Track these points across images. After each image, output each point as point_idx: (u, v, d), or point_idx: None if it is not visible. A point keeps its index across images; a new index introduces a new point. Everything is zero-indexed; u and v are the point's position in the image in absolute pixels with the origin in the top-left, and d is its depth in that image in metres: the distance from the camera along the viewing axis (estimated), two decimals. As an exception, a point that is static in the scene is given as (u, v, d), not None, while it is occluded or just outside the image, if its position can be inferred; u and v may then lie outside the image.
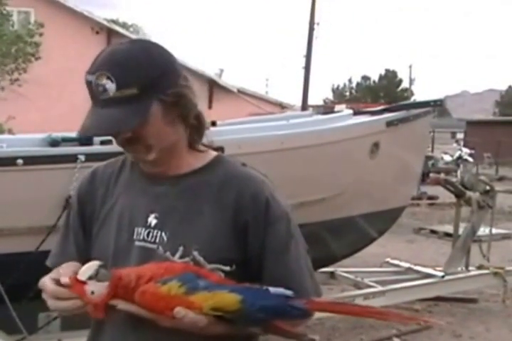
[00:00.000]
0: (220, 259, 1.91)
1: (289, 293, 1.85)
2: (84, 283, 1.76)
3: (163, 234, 1.95)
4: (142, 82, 1.84)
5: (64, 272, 1.83)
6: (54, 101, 21.49)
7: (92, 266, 1.78)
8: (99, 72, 1.84)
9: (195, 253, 1.90)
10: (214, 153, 2.09)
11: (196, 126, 2.01)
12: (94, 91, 1.86)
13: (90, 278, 1.76)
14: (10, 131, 15.21)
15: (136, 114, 1.85)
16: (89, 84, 1.87)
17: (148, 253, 1.93)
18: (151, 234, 1.96)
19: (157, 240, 1.95)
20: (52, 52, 18.28)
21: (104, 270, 1.78)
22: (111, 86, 1.83)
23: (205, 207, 1.97)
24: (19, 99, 16.99)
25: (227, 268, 1.91)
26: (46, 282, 1.83)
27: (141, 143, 1.91)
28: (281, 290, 1.85)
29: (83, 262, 1.94)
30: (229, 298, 1.78)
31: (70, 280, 1.78)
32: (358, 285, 7.10)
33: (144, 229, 1.97)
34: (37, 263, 4.16)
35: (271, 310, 1.80)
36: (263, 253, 1.95)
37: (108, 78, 1.83)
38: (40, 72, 17.28)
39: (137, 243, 1.97)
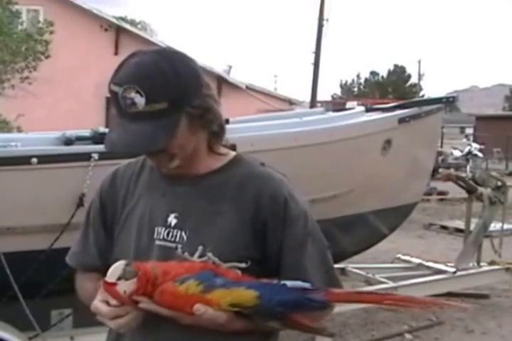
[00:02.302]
0: (239, 258, 1.94)
1: (306, 285, 1.87)
2: (114, 284, 1.78)
3: (183, 233, 1.98)
4: (171, 96, 1.84)
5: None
6: (61, 98, 21.54)
7: (118, 267, 1.80)
8: (127, 85, 1.83)
9: (210, 254, 1.93)
10: (233, 154, 2.11)
11: (217, 132, 2.03)
12: (121, 103, 1.85)
13: (119, 278, 1.78)
14: (19, 129, 15.26)
15: (167, 131, 1.86)
16: (114, 94, 1.86)
17: (168, 253, 1.96)
18: (171, 234, 1.99)
19: (177, 239, 1.98)
20: (60, 50, 18.26)
21: (129, 268, 1.80)
22: (140, 100, 1.82)
23: (224, 207, 1.99)
24: (27, 96, 17.00)
25: (243, 264, 1.94)
26: (98, 306, 1.84)
27: (165, 153, 1.93)
28: (298, 283, 1.87)
29: (104, 261, 1.97)
30: (246, 294, 1.81)
31: (101, 283, 1.80)
32: (369, 282, 7.10)
33: (163, 229, 2.00)
34: (50, 261, 4.23)
35: (289, 304, 1.82)
36: (281, 252, 1.98)
37: (137, 92, 1.82)
38: (48, 69, 17.25)
39: (157, 242, 2.00)
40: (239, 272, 1.92)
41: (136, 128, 1.85)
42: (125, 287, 1.78)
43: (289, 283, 1.86)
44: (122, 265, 1.80)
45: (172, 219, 2.00)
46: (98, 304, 1.84)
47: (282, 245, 1.97)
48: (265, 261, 1.98)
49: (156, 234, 2.01)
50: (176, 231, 1.99)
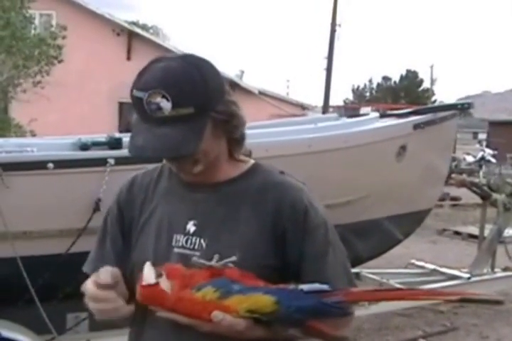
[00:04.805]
0: (258, 265, 1.92)
1: (324, 287, 1.85)
2: (156, 284, 1.79)
3: (201, 240, 1.97)
4: (197, 101, 1.84)
5: (103, 275, 1.86)
6: (74, 102, 21.54)
7: (150, 268, 1.82)
8: (153, 90, 1.83)
9: (194, 258, 1.95)
10: (252, 162, 2.12)
11: (238, 139, 2.04)
12: (146, 108, 1.84)
13: (155, 277, 1.80)
14: (32, 133, 15.29)
15: (194, 135, 1.86)
16: (138, 100, 1.85)
17: (187, 260, 1.95)
18: (189, 241, 1.98)
19: (196, 247, 1.97)
20: (73, 54, 18.24)
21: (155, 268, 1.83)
22: (166, 104, 1.82)
23: (243, 215, 1.99)
24: (40, 100, 17.02)
25: (233, 258, 1.93)
26: (88, 285, 1.87)
27: (189, 158, 1.93)
28: (316, 285, 1.84)
29: (121, 268, 1.97)
30: (264, 300, 1.79)
31: (143, 289, 1.81)
32: (383, 287, 7.09)
33: (182, 236, 2.00)
34: (67, 265, 4.24)
35: (308, 310, 1.80)
36: (301, 260, 1.97)
37: (163, 97, 1.81)
38: (61, 73, 17.20)
39: (176, 250, 1.99)
40: (231, 265, 1.92)
41: (162, 133, 1.84)
42: (166, 284, 1.79)
43: (306, 287, 1.84)
44: (151, 265, 1.82)
45: (191, 227, 2.00)
46: (88, 284, 1.87)
47: (302, 254, 1.97)
48: (285, 269, 1.97)
49: (174, 241, 2.00)
50: (194, 238, 1.98)
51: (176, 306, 1.79)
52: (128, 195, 2.16)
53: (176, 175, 2.08)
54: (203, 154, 1.93)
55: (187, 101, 1.83)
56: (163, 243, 2.02)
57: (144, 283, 1.80)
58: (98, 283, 1.84)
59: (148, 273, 1.80)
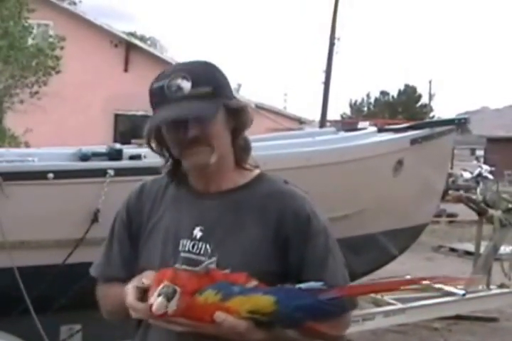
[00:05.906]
0: (262, 271, 1.98)
1: (318, 284, 1.91)
2: (165, 313, 1.81)
3: (207, 245, 2.04)
4: (214, 82, 2.00)
5: (146, 279, 1.91)
6: (70, 113, 21.53)
7: (161, 302, 1.81)
8: (174, 73, 1.98)
9: (177, 264, 1.99)
10: (257, 171, 2.20)
11: (243, 146, 2.13)
12: (167, 92, 1.97)
13: (166, 307, 1.80)
14: (26, 144, 15.26)
15: (211, 107, 1.98)
16: (159, 89, 1.99)
17: (193, 264, 1.99)
18: (196, 246, 2.05)
19: (202, 252, 2.04)
20: (70, 65, 18.16)
21: (169, 288, 1.82)
22: (186, 84, 1.96)
23: (248, 221, 2.07)
24: (36, 111, 16.99)
25: (214, 258, 2.00)
26: (129, 292, 1.91)
27: (205, 143, 2.01)
28: (311, 284, 1.91)
29: (128, 272, 2.06)
30: (264, 300, 1.84)
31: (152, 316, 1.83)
32: (377, 303, 7.06)
33: (189, 241, 2.07)
34: (63, 276, 4.24)
35: (306, 309, 1.84)
36: (302, 266, 2.05)
37: (184, 77, 1.96)
38: (57, 84, 17.14)
39: (182, 254, 2.06)
40: (212, 265, 1.98)
41: (183, 105, 1.96)
42: (174, 307, 1.81)
43: (304, 286, 1.90)
44: (163, 298, 1.81)
45: (198, 232, 2.07)
46: (129, 290, 1.92)
47: (303, 260, 2.05)
48: (286, 274, 2.04)
49: (181, 246, 2.07)
50: (201, 243, 2.05)
51: (179, 311, 1.82)
52: (137, 201, 2.24)
53: (184, 184, 2.17)
54: (216, 140, 2.03)
55: (205, 81, 1.99)
56: (170, 248, 2.09)
57: (153, 309, 1.81)
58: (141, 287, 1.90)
59: (159, 305, 1.80)
